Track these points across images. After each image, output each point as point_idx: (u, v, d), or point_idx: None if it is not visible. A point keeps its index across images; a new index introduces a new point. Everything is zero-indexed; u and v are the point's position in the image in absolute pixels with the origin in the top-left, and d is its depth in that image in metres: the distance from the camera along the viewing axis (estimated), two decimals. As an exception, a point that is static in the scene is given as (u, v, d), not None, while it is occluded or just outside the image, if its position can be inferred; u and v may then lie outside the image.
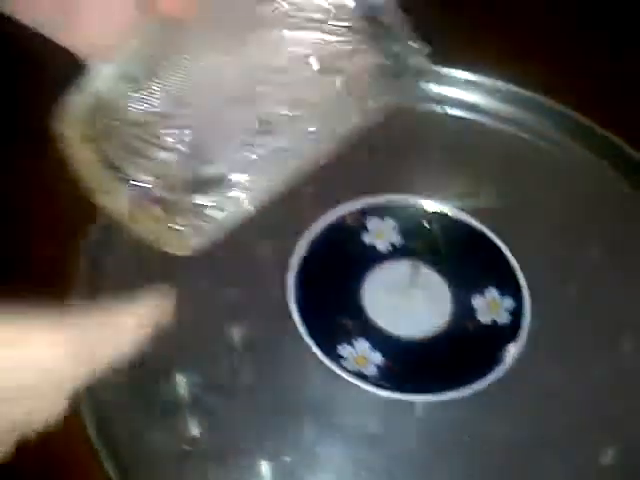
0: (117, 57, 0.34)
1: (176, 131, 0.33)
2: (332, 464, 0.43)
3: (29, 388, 0.26)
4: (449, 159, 0.56)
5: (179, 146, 0.33)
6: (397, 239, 0.51)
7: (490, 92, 0.59)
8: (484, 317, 0.47)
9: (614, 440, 0.44)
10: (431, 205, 0.52)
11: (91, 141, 0.33)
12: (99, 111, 0.34)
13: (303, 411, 0.45)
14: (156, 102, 0.34)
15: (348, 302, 0.48)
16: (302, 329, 0.45)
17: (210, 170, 0.33)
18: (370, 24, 0.34)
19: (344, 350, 0.46)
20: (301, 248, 0.49)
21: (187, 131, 0.33)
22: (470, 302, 0.48)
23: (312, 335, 0.45)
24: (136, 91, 0.34)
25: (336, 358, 0.45)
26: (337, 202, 0.52)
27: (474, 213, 0.51)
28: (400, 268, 0.50)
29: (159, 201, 0.33)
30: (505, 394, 0.44)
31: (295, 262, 0.49)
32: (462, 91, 0.59)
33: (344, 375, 0.43)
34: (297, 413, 0.44)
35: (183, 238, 0.33)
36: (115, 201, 0.33)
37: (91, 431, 0.42)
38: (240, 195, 0.34)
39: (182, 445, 0.43)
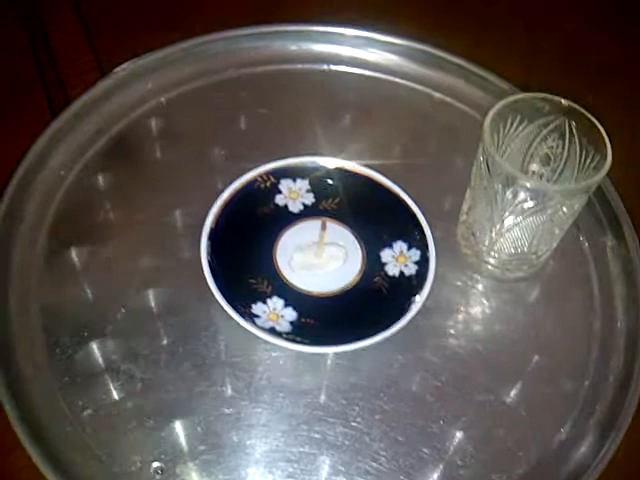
0: None
1: None
2: (252, 419, 0.44)
3: None
4: (355, 118, 0.58)
5: None
6: (309, 199, 0.52)
7: (396, 51, 0.60)
8: (393, 269, 0.49)
9: (517, 380, 0.47)
10: (341, 164, 0.53)
11: None
12: None
13: (221, 370, 0.46)
14: None
15: (262, 263, 0.49)
16: (216, 291, 0.46)
17: None
18: None
19: (258, 309, 0.47)
20: (215, 212, 0.50)
21: None
22: (379, 256, 0.50)
23: (226, 296, 0.46)
24: None
25: (250, 317, 0.46)
26: (249, 167, 0.53)
27: (381, 170, 0.52)
28: (312, 227, 0.51)
29: None
30: (413, 343, 0.47)
31: (209, 226, 0.49)
32: (368, 51, 0.60)
33: (257, 332, 0.44)
34: (215, 373, 0.46)
35: None
36: None
37: (6, 401, 0.42)
38: None
39: (101, 409, 0.44)
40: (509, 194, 0.45)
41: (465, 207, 0.50)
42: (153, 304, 0.48)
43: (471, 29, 0.62)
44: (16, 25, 0.64)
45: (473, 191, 0.48)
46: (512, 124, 0.48)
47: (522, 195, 0.45)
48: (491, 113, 0.45)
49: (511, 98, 0.47)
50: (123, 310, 0.47)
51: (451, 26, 0.62)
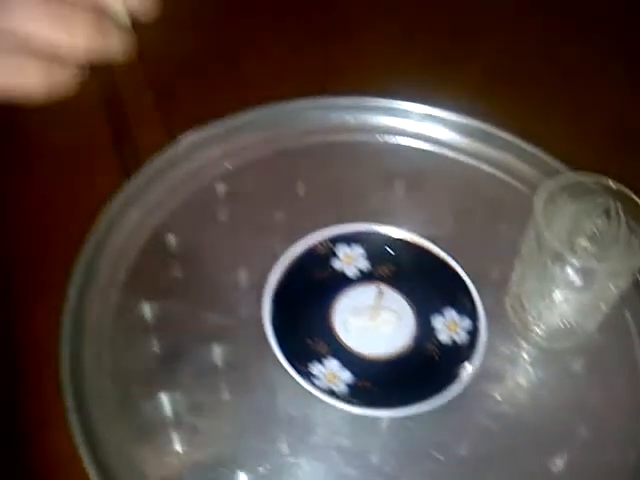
0: None
1: None
2: (307, 477, 0.46)
3: None
4: (408, 188, 0.61)
5: None
6: (364, 265, 0.55)
7: (449, 125, 0.64)
8: (444, 336, 0.51)
9: (564, 449, 0.48)
10: (394, 232, 0.56)
11: None
12: None
13: (279, 426, 0.48)
14: None
15: (319, 324, 0.52)
16: (277, 350, 0.49)
17: None
18: None
19: (316, 369, 0.49)
20: (276, 273, 0.53)
21: None
22: (430, 322, 0.52)
23: (286, 355, 0.49)
24: None
25: (308, 376, 0.49)
26: (308, 231, 0.56)
27: (433, 239, 0.55)
28: (367, 292, 0.54)
29: None
30: (463, 409, 0.49)
31: (270, 287, 0.52)
32: (422, 124, 0.64)
33: (316, 392, 0.47)
34: (273, 428, 0.48)
35: None
36: None
37: (80, 446, 0.45)
38: None
39: (165, 460, 0.46)
40: (557, 270, 0.48)
41: (514, 278, 0.52)
42: (216, 359, 0.51)
43: (522, 105, 0.65)
44: (91, 91, 0.69)
45: (523, 264, 0.51)
46: (561, 201, 0.50)
47: (570, 271, 0.47)
48: (542, 191, 0.48)
49: (561, 177, 0.50)
50: (188, 364, 0.50)
51: (502, 101, 0.66)
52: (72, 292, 0.52)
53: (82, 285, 0.53)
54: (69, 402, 0.47)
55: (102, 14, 0.32)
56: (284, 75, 0.70)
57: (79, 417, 0.46)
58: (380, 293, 0.52)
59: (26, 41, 0.29)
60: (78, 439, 0.45)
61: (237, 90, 0.68)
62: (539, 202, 0.48)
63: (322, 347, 0.51)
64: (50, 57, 0.31)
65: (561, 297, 0.49)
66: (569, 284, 0.48)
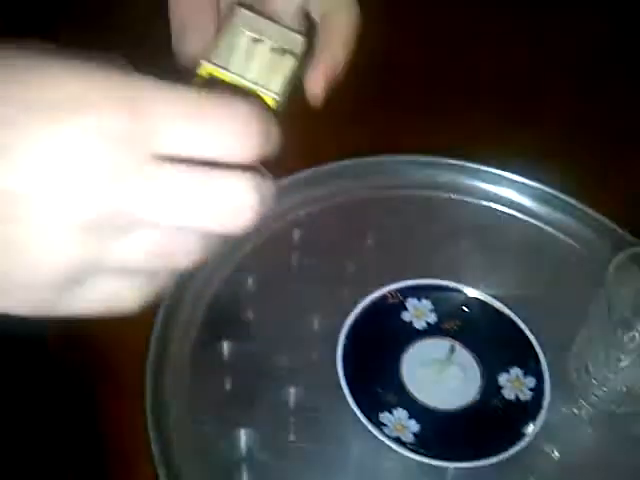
0: None
1: None
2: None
3: None
4: (479, 248, 0.63)
5: None
6: (432, 318, 0.58)
7: (519, 188, 0.66)
8: (509, 393, 0.53)
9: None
10: (464, 289, 0.58)
11: None
12: None
13: (346, 470, 0.51)
14: None
15: (389, 374, 0.54)
16: (349, 397, 0.51)
17: None
18: None
19: (385, 418, 0.52)
20: (349, 322, 0.56)
21: None
22: (496, 379, 0.54)
23: (357, 403, 0.51)
24: None
25: (378, 424, 0.51)
26: (379, 282, 0.59)
27: (500, 298, 0.57)
28: (435, 345, 0.56)
29: None
30: (525, 465, 0.50)
31: (343, 335, 0.55)
32: (500, 187, 0.66)
33: (384, 440, 0.49)
34: (340, 472, 0.50)
35: None
36: None
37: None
38: None
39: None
40: (625, 336, 0.49)
41: (579, 341, 0.54)
42: (289, 401, 0.54)
43: (588, 171, 0.67)
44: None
45: (589, 328, 0.53)
46: (630, 271, 0.52)
47: (638, 338, 0.49)
48: (614, 262, 0.50)
49: (632, 249, 0.52)
50: (262, 404, 0.53)
51: (569, 167, 0.68)
52: (155, 331, 0.55)
53: (165, 323, 0.56)
54: (152, 435, 0.50)
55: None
56: (362, 132, 0.73)
57: (160, 447, 0.49)
58: (452, 349, 0.54)
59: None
60: (161, 474, 0.48)
61: (318, 143, 0.71)
62: (611, 271, 0.50)
63: (391, 397, 0.53)
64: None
65: (627, 363, 0.50)
66: (636, 351, 0.50)
